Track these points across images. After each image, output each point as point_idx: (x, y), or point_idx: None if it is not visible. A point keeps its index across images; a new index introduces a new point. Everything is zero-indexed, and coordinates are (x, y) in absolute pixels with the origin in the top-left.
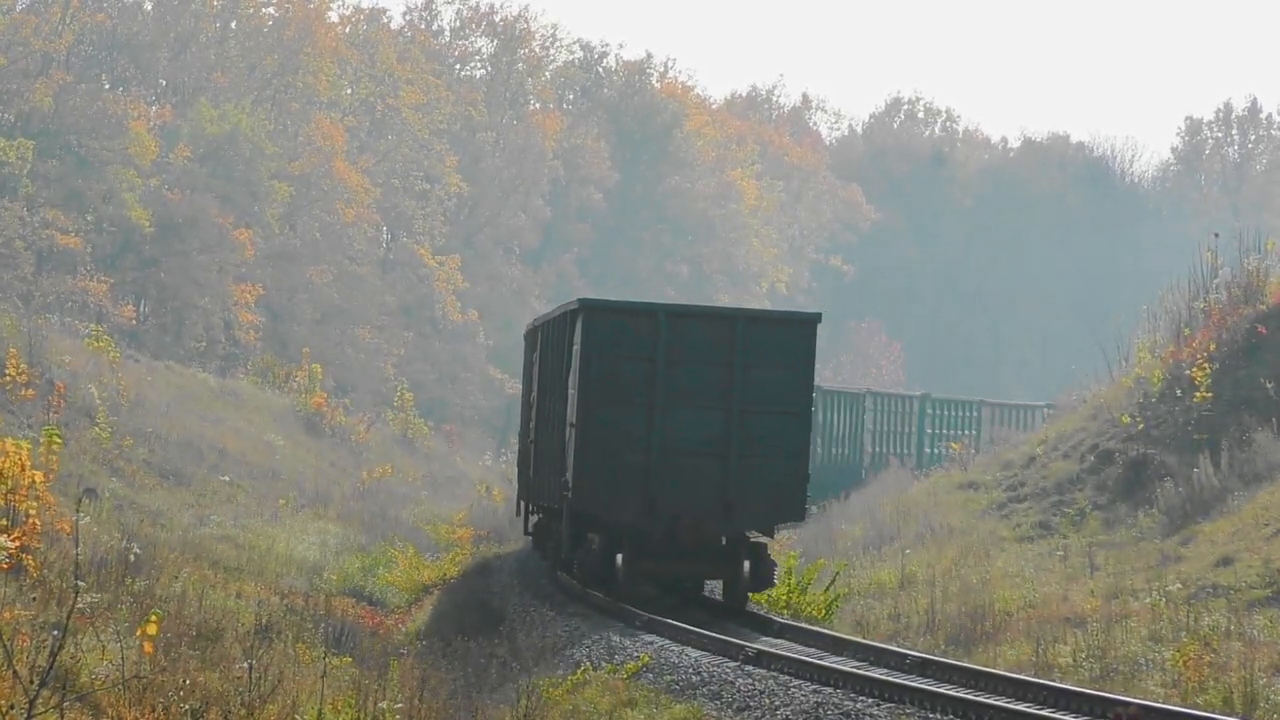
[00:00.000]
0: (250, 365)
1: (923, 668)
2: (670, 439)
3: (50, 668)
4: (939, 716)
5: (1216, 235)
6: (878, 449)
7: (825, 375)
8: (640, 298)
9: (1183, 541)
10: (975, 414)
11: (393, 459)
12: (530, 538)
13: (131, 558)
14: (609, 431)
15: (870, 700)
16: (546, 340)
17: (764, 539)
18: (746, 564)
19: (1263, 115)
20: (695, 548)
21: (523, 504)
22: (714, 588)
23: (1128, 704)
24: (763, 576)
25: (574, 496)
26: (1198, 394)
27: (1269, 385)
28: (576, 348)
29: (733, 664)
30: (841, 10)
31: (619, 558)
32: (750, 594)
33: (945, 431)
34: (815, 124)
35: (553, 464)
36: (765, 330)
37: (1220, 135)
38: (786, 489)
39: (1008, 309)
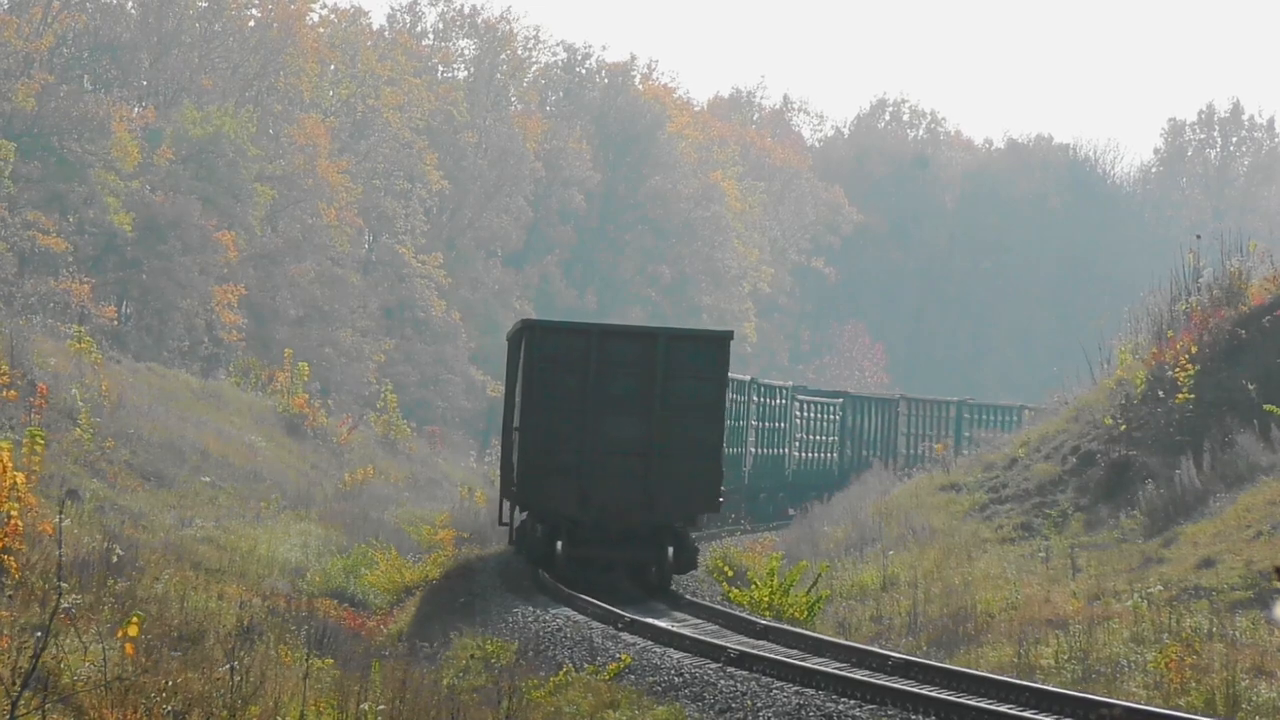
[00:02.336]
0: (232, 366)
1: (905, 669)
2: (600, 441)
3: (32, 669)
4: (921, 718)
5: (1198, 237)
6: (912, 451)
7: (808, 377)
8: (623, 300)
9: (1165, 543)
10: (1016, 418)
11: (375, 461)
12: (506, 527)
13: (113, 559)
14: (547, 435)
15: (852, 702)
16: (509, 353)
17: (687, 527)
18: (670, 549)
19: (1245, 117)
20: (623, 535)
21: (504, 501)
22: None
23: (1111, 705)
24: (685, 560)
25: (519, 491)
26: (1179, 396)
27: (1251, 387)
28: (521, 362)
29: (715, 665)
30: (823, 12)
31: (559, 544)
32: (674, 574)
33: (983, 435)
34: (797, 126)
35: (508, 462)
36: (683, 346)
37: (1203, 137)
38: (701, 484)
39: (990, 311)
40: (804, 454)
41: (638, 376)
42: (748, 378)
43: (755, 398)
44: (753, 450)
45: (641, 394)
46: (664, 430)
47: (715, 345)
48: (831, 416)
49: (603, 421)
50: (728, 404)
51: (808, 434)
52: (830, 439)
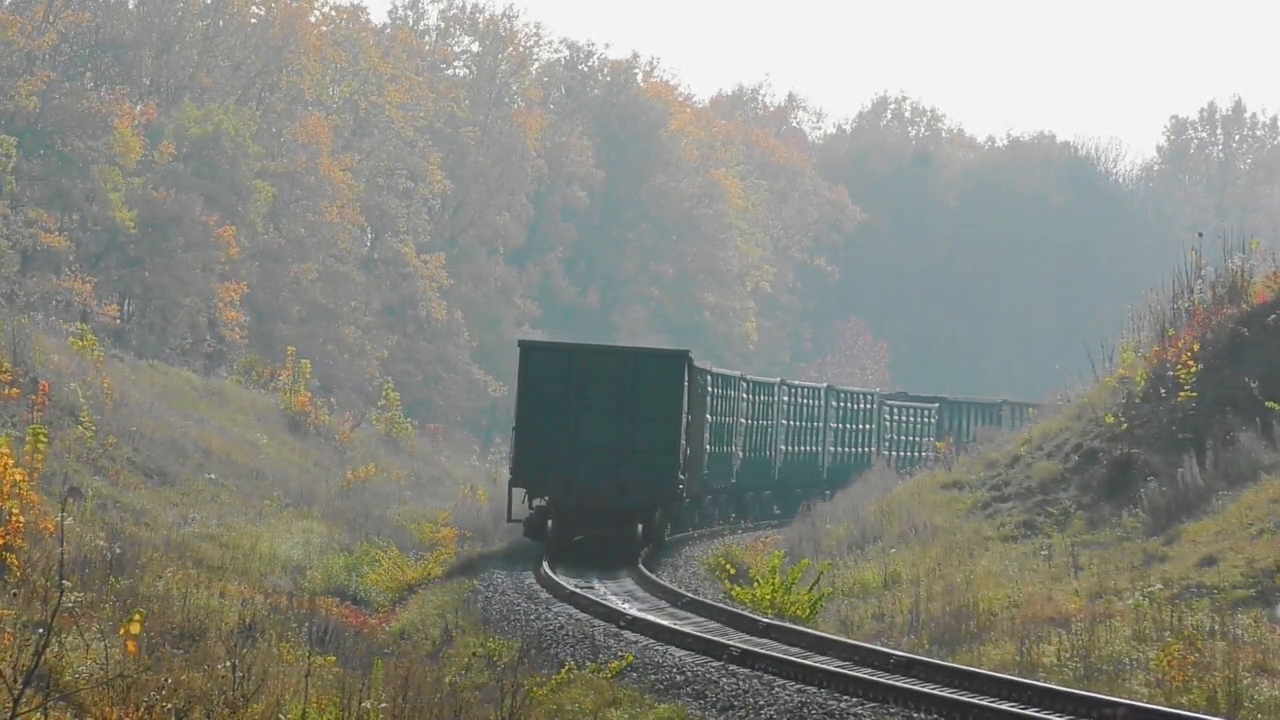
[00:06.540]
0: (234, 364)
1: (907, 667)
2: (581, 440)
3: (34, 667)
4: (923, 716)
5: (1200, 235)
6: None
7: (810, 375)
8: (625, 298)
9: (1167, 541)
10: None
11: (377, 459)
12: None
13: (111, 556)
14: (538, 435)
15: (854, 700)
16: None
17: (654, 510)
18: (640, 526)
19: (1247, 115)
20: (600, 516)
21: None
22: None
23: (1115, 704)
24: (652, 536)
25: (514, 480)
26: (1182, 394)
27: (1253, 385)
28: (518, 374)
29: (717, 663)
30: (827, 9)
31: (549, 523)
32: (644, 547)
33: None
34: (800, 124)
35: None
36: (647, 363)
37: (1205, 135)
38: (663, 475)
39: (992, 309)
40: (893, 453)
41: (611, 388)
42: (824, 385)
43: (833, 403)
44: (831, 449)
45: (614, 402)
46: (632, 432)
47: (675, 362)
48: (927, 419)
49: (582, 424)
50: (806, 409)
51: (898, 435)
52: (926, 439)
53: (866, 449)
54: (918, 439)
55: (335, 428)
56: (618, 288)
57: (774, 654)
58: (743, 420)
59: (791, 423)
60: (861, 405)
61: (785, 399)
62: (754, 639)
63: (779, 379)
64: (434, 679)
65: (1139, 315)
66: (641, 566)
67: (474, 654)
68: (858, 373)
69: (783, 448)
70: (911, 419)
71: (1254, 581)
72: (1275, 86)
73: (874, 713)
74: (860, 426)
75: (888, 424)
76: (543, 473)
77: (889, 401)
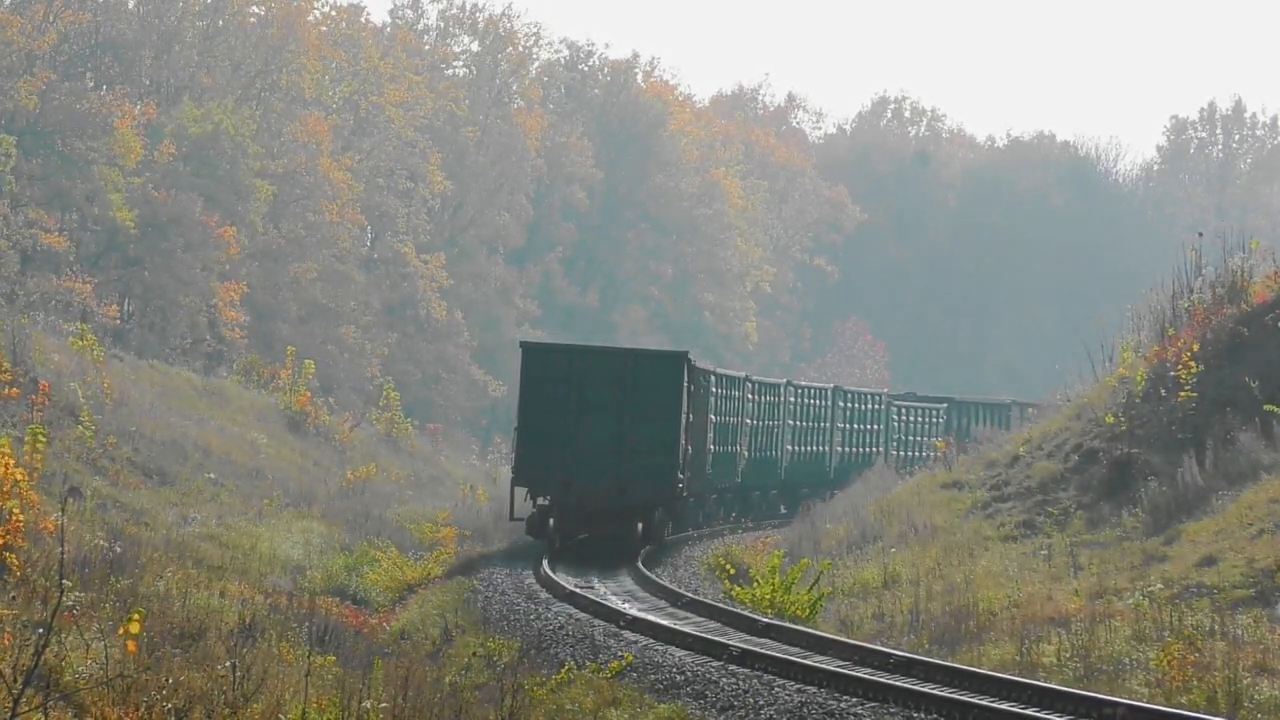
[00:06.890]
0: (235, 364)
1: (907, 667)
2: (581, 439)
3: (34, 667)
4: (923, 716)
5: (1200, 234)
6: None
7: (810, 374)
8: (624, 298)
9: (1166, 541)
10: None
11: (377, 459)
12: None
13: (111, 556)
14: (539, 434)
15: (854, 700)
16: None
17: (653, 509)
18: (640, 525)
19: (1247, 115)
20: (601, 515)
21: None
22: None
23: (1115, 704)
24: (652, 535)
25: (516, 479)
26: (1182, 393)
27: (1253, 385)
28: (519, 375)
29: (717, 663)
30: (827, 9)
31: (550, 521)
32: (643, 546)
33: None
34: (800, 123)
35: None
36: (647, 364)
37: (1205, 135)
38: (662, 473)
39: (992, 308)
40: (900, 452)
41: (611, 388)
42: (830, 386)
43: (841, 403)
44: (838, 450)
45: (614, 402)
46: (632, 431)
47: (673, 362)
48: (936, 420)
49: (582, 424)
50: (812, 410)
51: (907, 435)
52: (934, 440)
53: (875, 449)
54: (926, 439)
55: (335, 428)
56: (618, 288)
57: (774, 654)
58: (748, 421)
59: (798, 423)
60: (870, 406)
61: (791, 400)
62: (754, 639)
63: (785, 380)
64: (434, 679)
65: (1139, 315)
66: (641, 566)
67: (474, 654)
68: (857, 372)
69: (789, 448)
70: (920, 419)
71: (1254, 581)
72: (1275, 86)
73: (874, 713)
74: (868, 427)
75: (896, 424)
76: (544, 472)
77: (897, 402)
